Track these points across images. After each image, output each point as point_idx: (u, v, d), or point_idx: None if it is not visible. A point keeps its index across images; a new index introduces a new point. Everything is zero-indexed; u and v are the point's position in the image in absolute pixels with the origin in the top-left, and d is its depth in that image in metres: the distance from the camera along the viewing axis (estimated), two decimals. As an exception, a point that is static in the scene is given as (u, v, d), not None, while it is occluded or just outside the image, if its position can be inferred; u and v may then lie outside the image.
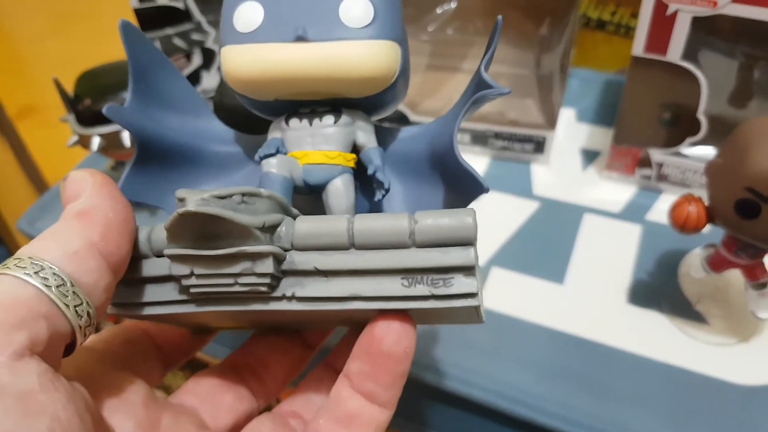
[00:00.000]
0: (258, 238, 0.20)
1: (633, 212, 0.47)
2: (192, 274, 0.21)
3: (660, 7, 0.40)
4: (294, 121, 0.24)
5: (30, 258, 0.19)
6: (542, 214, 0.48)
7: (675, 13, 0.40)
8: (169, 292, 0.23)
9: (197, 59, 0.54)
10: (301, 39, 0.22)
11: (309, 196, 0.25)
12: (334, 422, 0.22)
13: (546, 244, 0.45)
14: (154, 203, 0.25)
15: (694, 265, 0.39)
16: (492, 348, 0.39)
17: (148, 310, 0.23)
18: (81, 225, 0.20)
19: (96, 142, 0.41)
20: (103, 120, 0.42)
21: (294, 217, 0.22)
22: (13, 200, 0.61)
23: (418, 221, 0.21)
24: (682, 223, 0.35)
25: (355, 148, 0.25)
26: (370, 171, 0.24)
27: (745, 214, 0.32)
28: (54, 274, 0.18)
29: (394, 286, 0.21)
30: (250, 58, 0.22)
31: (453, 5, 0.54)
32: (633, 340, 0.39)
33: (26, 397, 0.16)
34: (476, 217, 0.21)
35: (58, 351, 0.19)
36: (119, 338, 0.26)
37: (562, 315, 0.40)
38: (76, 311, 0.19)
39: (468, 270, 0.21)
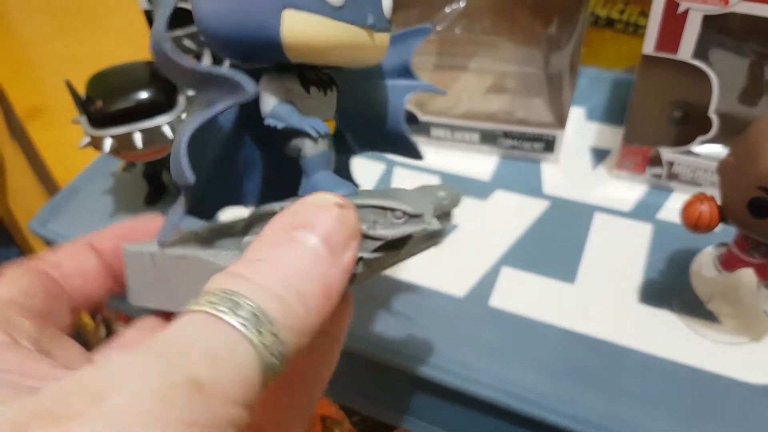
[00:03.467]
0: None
1: (644, 211, 0.47)
2: (370, 267, 0.23)
3: (671, 6, 0.40)
4: (314, 90, 0.25)
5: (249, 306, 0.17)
6: (552, 213, 0.48)
7: (686, 12, 0.40)
8: None
9: (207, 60, 0.54)
10: (372, 28, 0.23)
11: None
12: None
13: (556, 244, 0.45)
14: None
15: (705, 263, 0.39)
16: (502, 347, 0.39)
17: None
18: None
19: (108, 143, 0.41)
20: (115, 121, 0.42)
21: None
22: (25, 201, 0.61)
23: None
24: (694, 223, 0.35)
25: None
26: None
27: (757, 213, 0.32)
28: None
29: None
30: (335, 35, 0.22)
31: (462, 4, 0.54)
32: (644, 339, 0.39)
33: None
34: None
35: None
36: (38, 289, 0.24)
37: (573, 314, 0.40)
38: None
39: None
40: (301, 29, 0.22)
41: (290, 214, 0.21)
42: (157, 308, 0.27)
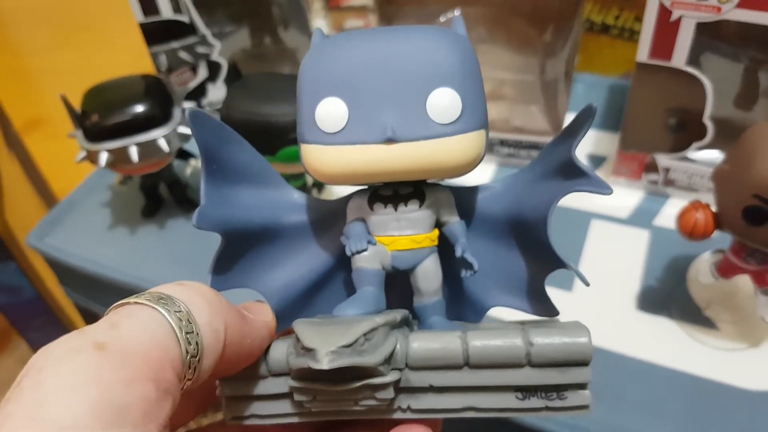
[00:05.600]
0: (381, 372, 0.21)
1: (641, 218, 0.47)
2: (314, 399, 0.22)
3: (664, 14, 0.40)
4: (378, 206, 0.24)
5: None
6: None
7: (679, 20, 0.40)
8: (288, 406, 0.23)
9: (203, 72, 0.54)
10: (390, 141, 0.22)
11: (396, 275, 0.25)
12: None
13: (553, 251, 0.45)
14: (242, 286, 0.25)
15: (702, 270, 0.39)
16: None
17: (269, 421, 0.23)
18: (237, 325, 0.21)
19: (104, 157, 0.41)
20: (111, 135, 0.42)
21: (403, 320, 0.23)
22: (22, 214, 0.61)
23: (534, 343, 0.21)
24: (690, 231, 0.35)
25: (437, 222, 0.25)
26: (458, 252, 0.24)
27: (753, 220, 0.32)
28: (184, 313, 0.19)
29: (508, 399, 0.22)
30: (340, 161, 0.22)
31: (457, 13, 0.54)
32: (642, 346, 0.39)
33: None
34: (590, 335, 0.21)
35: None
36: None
37: (571, 322, 0.40)
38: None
39: (583, 385, 0.22)
40: (309, 160, 0.23)
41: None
42: None
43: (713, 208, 0.35)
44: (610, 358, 0.38)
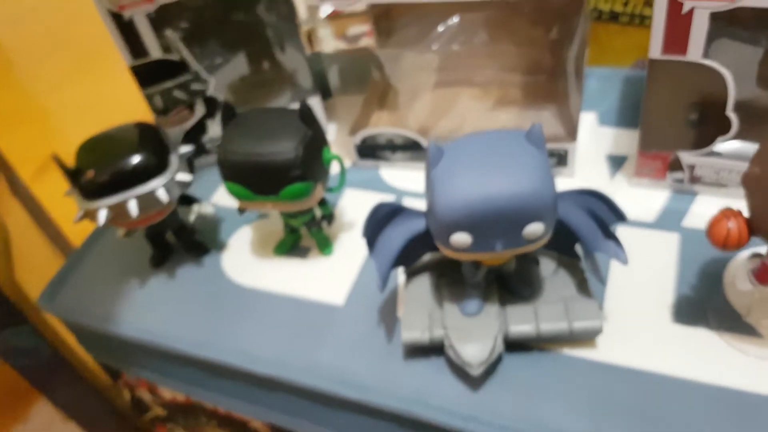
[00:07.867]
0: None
1: (668, 220, 0.45)
2: None
3: (675, 6, 0.37)
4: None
5: None
6: (571, 231, 0.45)
7: (691, 11, 0.37)
8: None
9: (200, 109, 0.53)
10: (502, 249, 0.33)
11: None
12: None
13: (579, 265, 0.43)
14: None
15: (739, 276, 0.36)
16: (531, 386, 0.37)
17: None
18: None
19: (103, 215, 0.40)
20: (108, 191, 0.40)
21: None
22: (36, 268, 0.60)
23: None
24: (722, 242, 0.32)
25: None
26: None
27: (790, 226, 0.30)
28: None
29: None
30: (463, 258, 0.35)
31: (455, 20, 0.52)
32: (682, 363, 0.36)
33: None
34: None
35: None
36: None
37: (603, 343, 0.38)
38: None
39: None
40: (444, 251, 0.35)
41: None
42: None
43: (745, 214, 0.32)
44: (648, 378, 0.36)
